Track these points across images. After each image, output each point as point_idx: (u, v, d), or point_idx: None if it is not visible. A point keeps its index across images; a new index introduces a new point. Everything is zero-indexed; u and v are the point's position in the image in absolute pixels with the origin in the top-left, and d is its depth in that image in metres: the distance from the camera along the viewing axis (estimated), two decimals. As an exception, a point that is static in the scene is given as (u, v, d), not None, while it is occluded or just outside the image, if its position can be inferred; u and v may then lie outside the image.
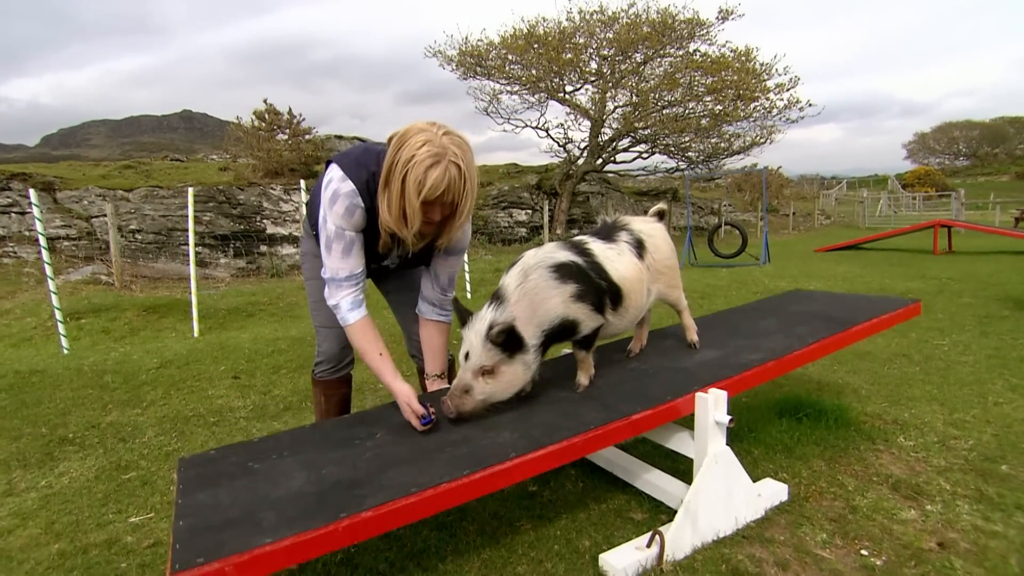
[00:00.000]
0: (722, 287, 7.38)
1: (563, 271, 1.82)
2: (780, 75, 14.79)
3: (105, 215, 10.79)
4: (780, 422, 2.60)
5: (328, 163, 1.89)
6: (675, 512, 1.82)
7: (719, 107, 14.45)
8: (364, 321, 1.90)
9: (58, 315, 5.23)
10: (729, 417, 1.77)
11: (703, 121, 14.73)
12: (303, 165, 13.17)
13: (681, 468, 2.22)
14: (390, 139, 1.71)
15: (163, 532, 2.12)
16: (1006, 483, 2.12)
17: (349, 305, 1.88)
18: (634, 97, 15.16)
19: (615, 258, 1.97)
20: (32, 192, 5.13)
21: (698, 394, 1.82)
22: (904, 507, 1.98)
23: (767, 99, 14.77)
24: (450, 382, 2.23)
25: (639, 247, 2.08)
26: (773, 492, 2.01)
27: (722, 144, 15.62)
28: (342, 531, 1.36)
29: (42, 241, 5.16)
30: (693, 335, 2.35)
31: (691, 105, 14.87)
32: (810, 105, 14.91)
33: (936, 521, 1.89)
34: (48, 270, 5.19)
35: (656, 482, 2.05)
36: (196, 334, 5.86)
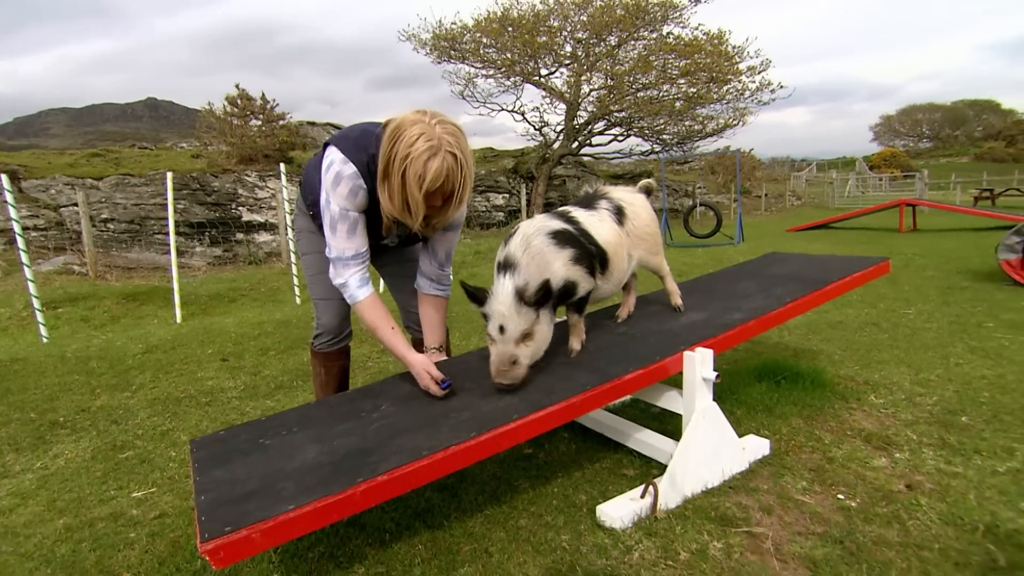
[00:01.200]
0: (699, 265, 7.56)
1: (560, 237, 1.92)
2: (752, 58, 15.05)
3: (74, 204, 10.55)
4: (760, 385, 2.73)
5: (326, 145, 1.92)
6: (666, 467, 1.92)
7: (693, 90, 14.64)
8: (372, 297, 1.95)
9: (36, 304, 5.15)
10: (715, 373, 1.88)
11: (677, 104, 14.91)
12: (277, 151, 12.99)
13: (669, 428, 2.33)
14: (385, 125, 1.74)
15: (168, 505, 2.16)
16: (965, 432, 2.28)
17: (357, 283, 1.93)
18: (609, 80, 15.26)
19: (597, 224, 2.08)
20: (4, 178, 5.02)
21: (686, 352, 1.93)
22: (875, 456, 2.12)
23: (739, 81, 15.03)
24: (448, 354, 2.30)
25: (619, 214, 2.18)
26: (756, 446, 2.14)
27: (696, 127, 15.85)
28: (360, 495, 1.42)
29: (17, 229, 5.07)
30: (677, 299, 2.46)
31: (665, 88, 15.03)
32: (781, 87, 15.21)
33: (904, 467, 2.04)
34: (24, 258, 5.10)
35: (647, 440, 2.16)
36: (179, 320, 5.82)
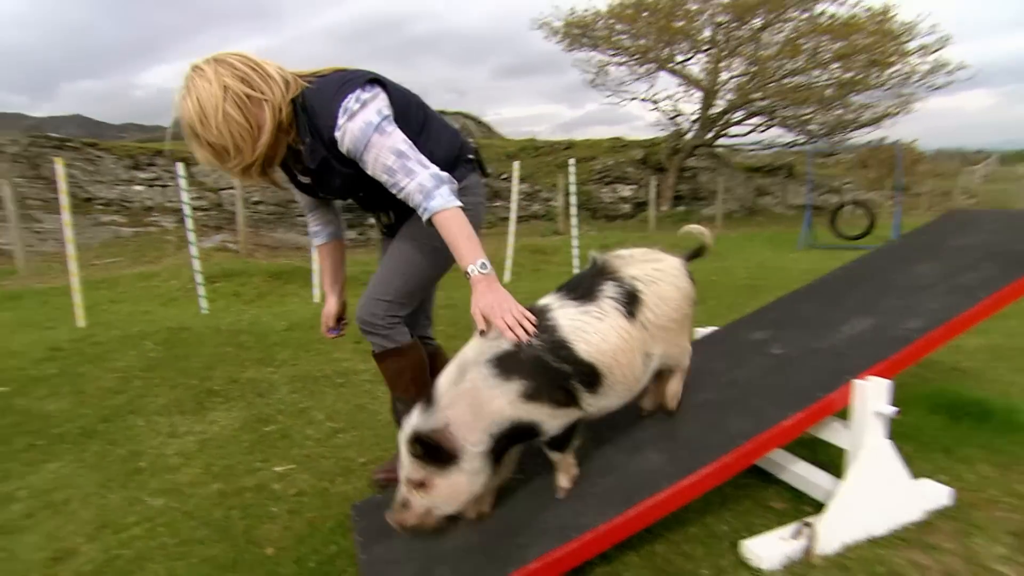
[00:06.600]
0: (847, 270, 6.84)
1: (507, 364, 1.49)
2: (925, 35, 13.27)
3: (231, 188, 11.68)
4: (934, 419, 2.37)
5: None
6: (818, 504, 1.72)
7: (848, 75, 13.27)
8: (320, 249, 2.16)
9: (199, 279, 5.73)
10: (894, 408, 1.63)
11: (828, 91, 13.62)
12: (409, 141, 13.52)
13: (820, 458, 2.08)
14: None
15: (305, 483, 2.27)
16: None
17: (311, 232, 2.14)
18: (751, 66, 14.27)
19: (589, 326, 1.56)
20: (180, 165, 5.60)
21: (855, 382, 1.69)
22: (1099, 525, 1.75)
23: (906, 64, 13.33)
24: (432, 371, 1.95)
25: (630, 302, 1.64)
26: (934, 494, 1.84)
27: (848, 116, 14.38)
28: None
29: (187, 211, 5.66)
30: (675, 403, 1.90)
31: (815, 73, 13.78)
32: (961, 68, 13.32)
33: None
34: (192, 237, 5.69)
35: (798, 472, 1.94)
36: (317, 299, 6.21)
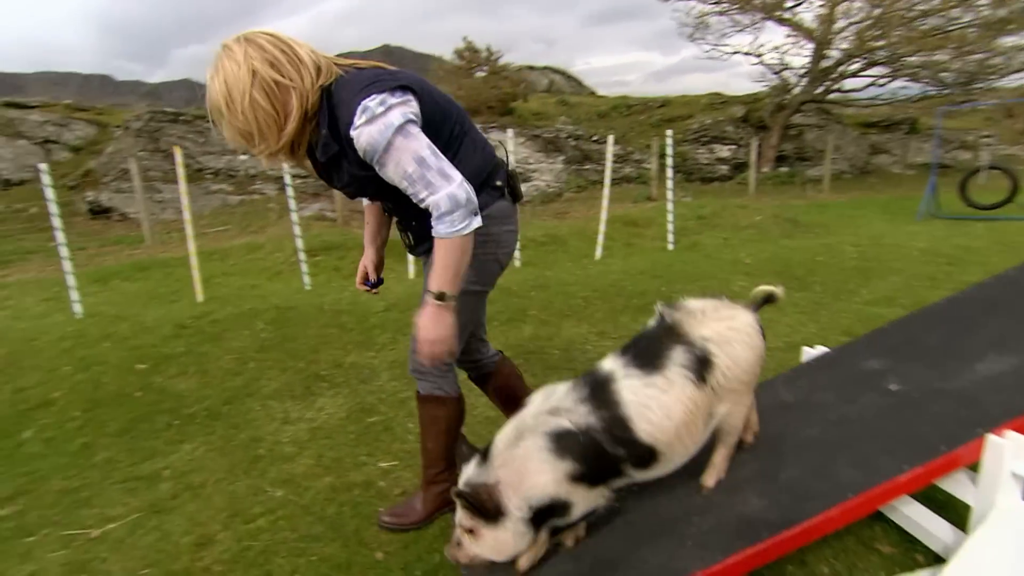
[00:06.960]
0: (979, 249, 6.16)
1: (563, 443, 1.51)
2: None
3: (329, 156, 12.11)
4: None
5: None
6: (932, 554, 1.64)
7: (1001, 11, 11.24)
8: (367, 207, 2.12)
9: (302, 255, 6.06)
10: (1035, 473, 1.50)
11: (970, 32, 11.74)
12: (500, 103, 13.43)
13: (938, 498, 1.95)
14: None
15: (408, 483, 2.39)
16: None
17: None
18: (873, 9, 12.57)
19: (654, 400, 1.53)
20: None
21: (990, 437, 1.55)
22: None
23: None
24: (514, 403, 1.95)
25: (701, 367, 1.57)
26: (1075, 557, 1.69)
27: (993, 60, 12.41)
28: None
29: (289, 190, 5.95)
30: (712, 480, 1.80)
31: (954, 13, 11.85)
32: None
33: None
34: (294, 217, 6.00)
35: (910, 515, 1.82)
36: (412, 275, 6.41)
